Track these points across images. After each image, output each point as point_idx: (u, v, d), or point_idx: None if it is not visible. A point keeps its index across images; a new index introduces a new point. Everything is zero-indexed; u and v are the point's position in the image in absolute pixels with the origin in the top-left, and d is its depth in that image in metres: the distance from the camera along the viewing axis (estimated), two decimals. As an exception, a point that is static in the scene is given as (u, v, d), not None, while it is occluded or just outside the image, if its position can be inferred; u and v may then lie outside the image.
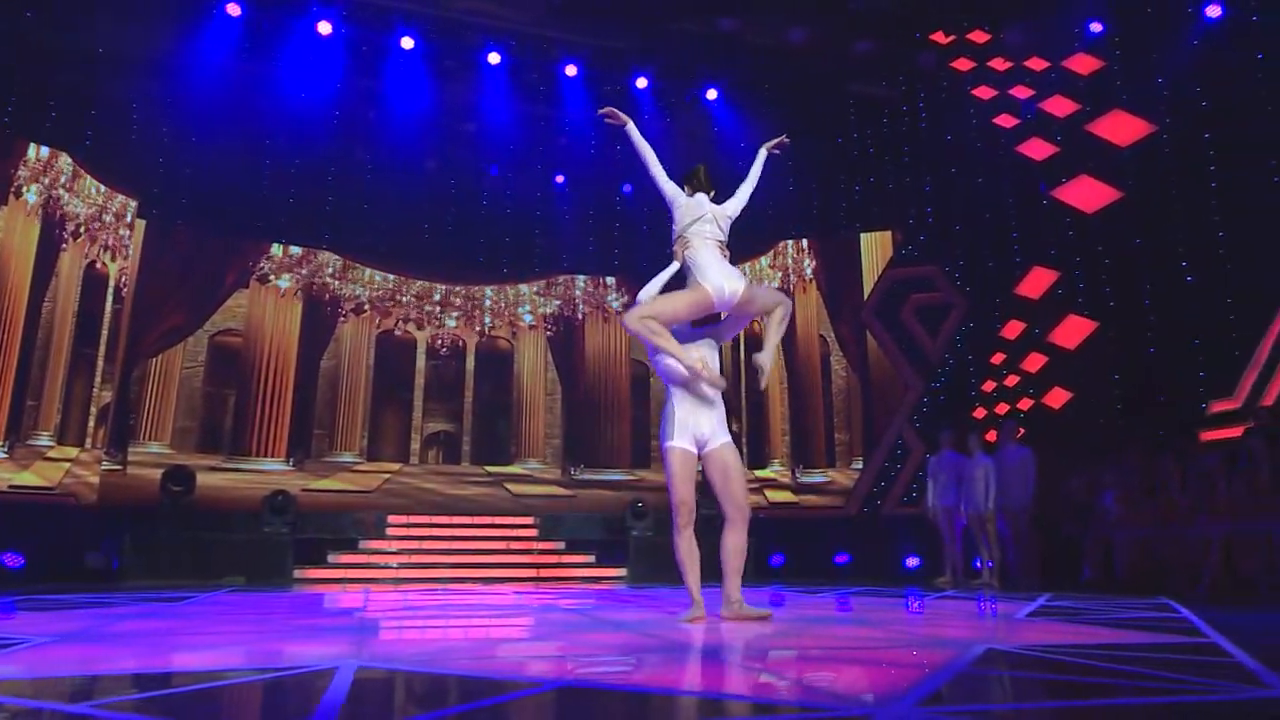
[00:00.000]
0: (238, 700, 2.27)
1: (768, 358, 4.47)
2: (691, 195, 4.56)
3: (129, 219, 10.91)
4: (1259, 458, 6.30)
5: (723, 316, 4.59)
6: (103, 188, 10.70)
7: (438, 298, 13.27)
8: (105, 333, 10.53)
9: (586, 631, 4.01)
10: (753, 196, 4.72)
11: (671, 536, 4.31)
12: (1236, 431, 7.54)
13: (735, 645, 3.29)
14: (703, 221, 4.44)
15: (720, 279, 4.29)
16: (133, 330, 10.86)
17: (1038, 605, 5.58)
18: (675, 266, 4.58)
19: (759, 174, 4.80)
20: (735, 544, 4.28)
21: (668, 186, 4.57)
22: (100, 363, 10.42)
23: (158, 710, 2.05)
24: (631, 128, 4.55)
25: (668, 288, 4.65)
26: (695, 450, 4.34)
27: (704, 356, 4.35)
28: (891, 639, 3.69)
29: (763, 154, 4.85)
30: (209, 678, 2.58)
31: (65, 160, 10.23)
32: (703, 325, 4.61)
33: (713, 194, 4.60)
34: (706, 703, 2.23)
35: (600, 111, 4.66)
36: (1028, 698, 2.35)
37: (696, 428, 4.34)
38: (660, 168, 4.58)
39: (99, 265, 10.64)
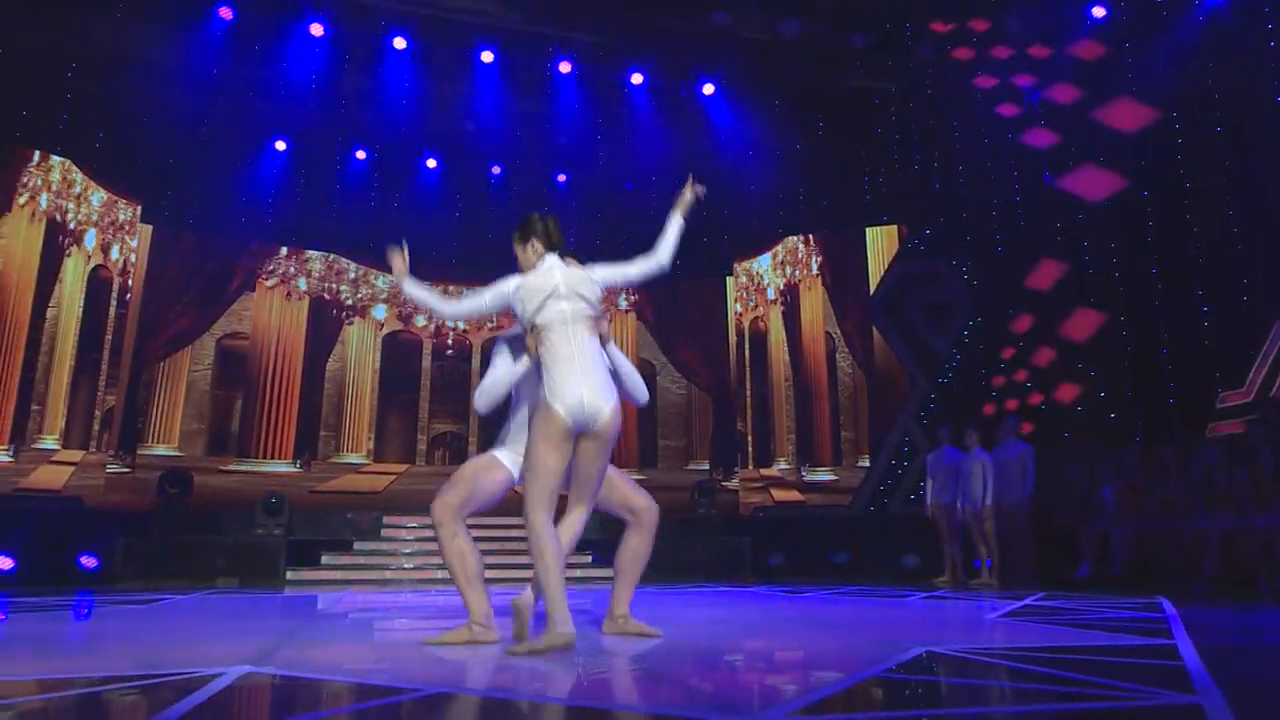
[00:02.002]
0: (82, 707, 2.21)
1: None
2: (529, 262, 3.33)
3: (134, 224, 11.07)
4: (1260, 450, 6.03)
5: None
6: (106, 193, 10.86)
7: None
8: (109, 337, 10.69)
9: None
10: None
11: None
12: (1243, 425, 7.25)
13: (643, 650, 3.17)
14: (555, 299, 3.20)
15: (576, 391, 3.06)
16: (139, 335, 11.01)
17: (1021, 605, 5.41)
18: (523, 366, 3.39)
19: (670, 247, 3.40)
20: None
21: (486, 298, 3.31)
22: (105, 367, 10.57)
23: None
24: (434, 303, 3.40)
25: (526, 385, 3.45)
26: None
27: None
28: (831, 643, 3.56)
29: (676, 220, 3.43)
30: (75, 684, 2.52)
31: (69, 166, 10.40)
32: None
33: (561, 253, 3.38)
34: (579, 710, 2.13)
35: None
36: (913, 704, 2.22)
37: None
38: (464, 302, 3.36)
39: (103, 270, 10.81)
